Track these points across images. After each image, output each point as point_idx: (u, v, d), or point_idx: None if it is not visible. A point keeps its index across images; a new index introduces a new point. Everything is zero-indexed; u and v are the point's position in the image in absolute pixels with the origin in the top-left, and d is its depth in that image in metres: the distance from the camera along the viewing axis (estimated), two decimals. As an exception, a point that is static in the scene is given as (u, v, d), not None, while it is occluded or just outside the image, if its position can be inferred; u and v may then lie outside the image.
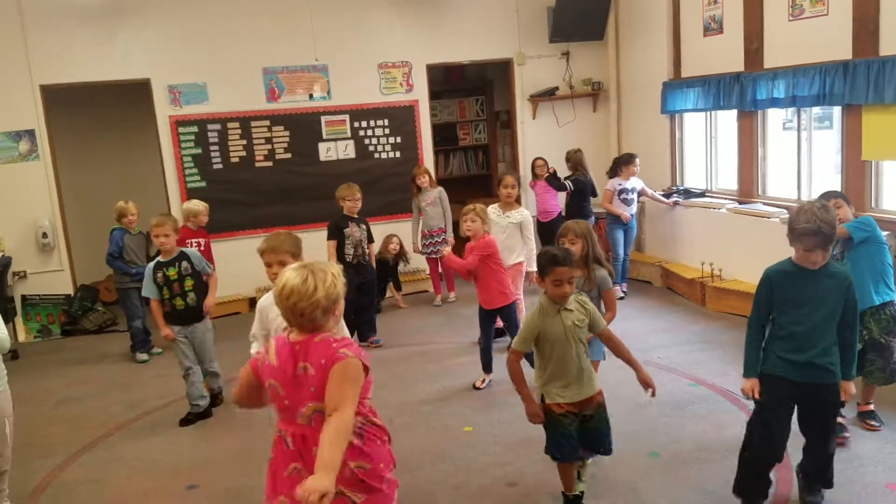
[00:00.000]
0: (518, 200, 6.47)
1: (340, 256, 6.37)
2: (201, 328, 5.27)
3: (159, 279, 5.12)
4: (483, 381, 5.46)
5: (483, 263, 5.35)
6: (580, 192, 7.78)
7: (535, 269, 5.50)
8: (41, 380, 6.46)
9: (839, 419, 4.14)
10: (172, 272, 5.14)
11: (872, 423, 4.33)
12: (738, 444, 4.27)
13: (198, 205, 6.98)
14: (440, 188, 7.83)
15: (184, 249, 5.30)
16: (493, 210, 6.12)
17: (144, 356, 6.80)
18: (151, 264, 5.22)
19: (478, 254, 5.33)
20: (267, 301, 3.39)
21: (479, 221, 5.40)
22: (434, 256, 7.79)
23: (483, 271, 5.38)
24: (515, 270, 6.16)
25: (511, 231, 6.16)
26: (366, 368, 2.39)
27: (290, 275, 2.40)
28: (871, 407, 4.40)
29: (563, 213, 8.05)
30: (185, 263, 5.18)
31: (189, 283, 5.17)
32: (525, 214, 6.20)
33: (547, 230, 8.36)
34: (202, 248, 6.65)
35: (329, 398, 2.29)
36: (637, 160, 7.82)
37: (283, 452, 2.48)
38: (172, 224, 5.23)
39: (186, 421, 5.18)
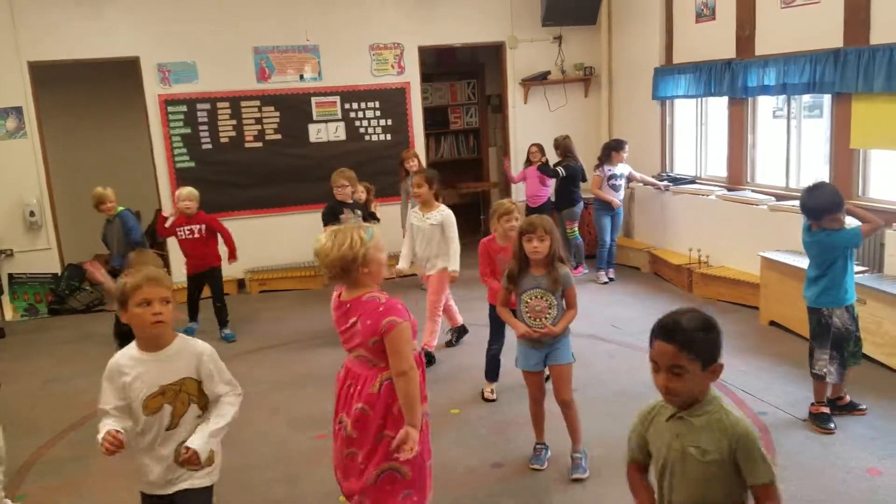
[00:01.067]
0: (437, 197, 5.68)
1: None
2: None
3: None
4: (492, 391, 4.96)
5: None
6: (570, 178, 7.81)
7: (457, 269, 5.42)
8: (28, 359, 6.44)
9: (824, 409, 4.25)
10: None
11: (861, 407, 4.43)
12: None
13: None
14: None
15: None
16: (412, 213, 5.73)
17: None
18: None
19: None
20: (119, 362, 2.75)
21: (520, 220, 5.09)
22: None
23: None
24: (439, 279, 5.59)
25: (432, 234, 5.56)
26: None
27: (324, 238, 2.82)
28: (848, 398, 4.45)
29: (553, 199, 8.07)
30: None
31: None
32: (446, 213, 5.57)
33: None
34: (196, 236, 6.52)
35: (392, 365, 2.74)
36: (626, 146, 7.83)
37: (339, 378, 3.01)
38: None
39: None
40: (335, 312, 2.91)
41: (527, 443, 4.23)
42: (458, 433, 4.47)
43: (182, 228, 6.48)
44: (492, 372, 4.99)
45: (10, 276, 7.80)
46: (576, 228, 8.02)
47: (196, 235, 6.50)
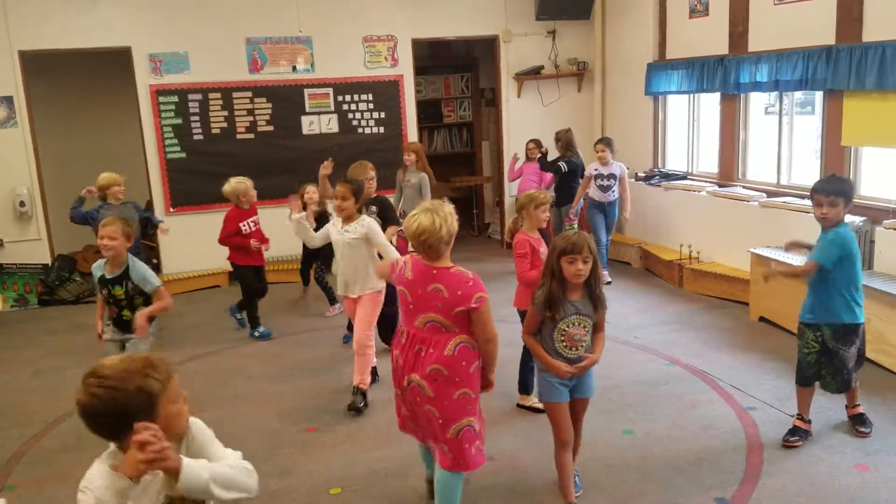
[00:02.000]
0: (361, 210, 4.88)
1: None
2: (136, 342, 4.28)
3: (104, 295, 4.35)
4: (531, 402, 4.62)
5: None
6: (571, 174, 7.75)
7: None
8: (18, 349, 6.42)
9: (859, 409, 4.22)
10: (119, 292, 4.29)
11: (861, 429, 4.16)
12: (711, 423, 4.38)
13: (243, 182, 6.40)
14: (424, 174, 7.16)
15: (131, 261, 4.30)
16: (332, 224, 4.87)
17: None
18: (96, 269, 4.37)
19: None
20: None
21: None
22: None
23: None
24: (371, 305, 4.80)
25: (355, 248, 4.73)
26: None
27: (421, 217, 3.11)
28: (860, 409, 4.23)
29: (553, 195, 8.10)
30: (131, 284, 4.26)
31: (138, 300, 4.32)
32: (367, 222, 4.72)
33: None
34: (256, 228, 6.42)
35: (481, 333, 3.15)
36: (603, 145, 7.49)
37: (399, 344, 3.29)
38: (122, 227, 4.23)
39: None
40: (413, 273, 3.20)
41: (520, 438, 4.25)
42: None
43: (245, 223, 6.36)
44: (530, 385, 4.60)
45: (0, 266, 7.76)
46: (575, 225, 8.02)
47: (254, 228, 6.43)
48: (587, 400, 3.57)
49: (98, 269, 4.36)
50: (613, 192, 7.50)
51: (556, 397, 3.42)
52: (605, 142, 7.56)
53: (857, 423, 4.17)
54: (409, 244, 3.24)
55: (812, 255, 3.99)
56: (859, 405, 4.23)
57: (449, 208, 3.21)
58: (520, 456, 4.11)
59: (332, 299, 7.04)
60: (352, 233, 4.70)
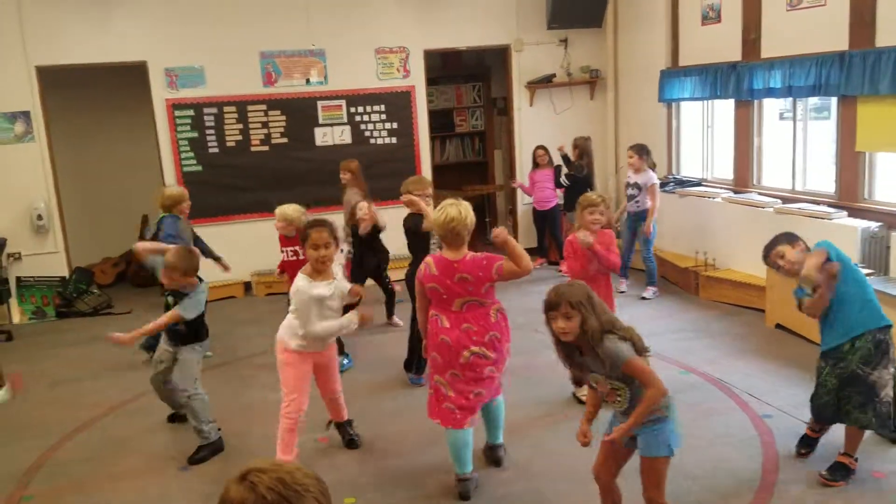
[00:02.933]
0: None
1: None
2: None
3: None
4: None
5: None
6: (584, 181, 7.73)
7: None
8: (36, 361, 6.48)
9: (848, 461, 3.74)
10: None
11: (828, 474, 3.70)
12: (727, 431, 4.34)
13: (295, 210, 5.78)
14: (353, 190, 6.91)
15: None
16: (302, 279, 3.99)
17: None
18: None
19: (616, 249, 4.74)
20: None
21: (608, 214, 4.88)
22: None
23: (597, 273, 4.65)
24: (335, 353, 4.44)
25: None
26: None
27: (449, 209, 3.74)
28: (848, 461, 3.74)
29: (561, 203, 8.16)
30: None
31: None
32: (341, 282, 4.13)
33: (542, 219, 8.53)
34: (299, 259, 5.66)
35: (512, 274, 3.68)
36: (632, 151, 7.31)
37: (437, 327, 3.80)
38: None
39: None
40: (438, 269, 3.76)
41: (531, 446, 4.25)
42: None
43: (285, 250, 5.85)
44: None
45: (18, 279, 7.85)
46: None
47: (295, 257, 5.77)
48: (649, 459, 3.11)
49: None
50: (638, 202, 7.21)
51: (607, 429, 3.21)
52: (635, 148, 7.26)
53: (835, 471, 3.73)
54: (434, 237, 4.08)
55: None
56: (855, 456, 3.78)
57: (467, 203, 3.86)
58: (532, 466, 4.10)
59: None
60: (339, 288, 4.07)
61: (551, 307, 2.96)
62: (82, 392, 5.68)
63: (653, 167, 7.34)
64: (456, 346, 3.72)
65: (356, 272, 6.33)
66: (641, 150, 7.25)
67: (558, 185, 8.09)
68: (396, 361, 5.62)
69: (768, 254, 3.87)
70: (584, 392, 4.44)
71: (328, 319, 4.02)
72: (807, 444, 3.98)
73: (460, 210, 3.75)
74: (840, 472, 3.71)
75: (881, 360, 3.59)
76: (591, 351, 2.98)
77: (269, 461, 1.60)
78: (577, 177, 7.77)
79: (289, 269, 5.70)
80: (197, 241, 6.33)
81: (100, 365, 6.26)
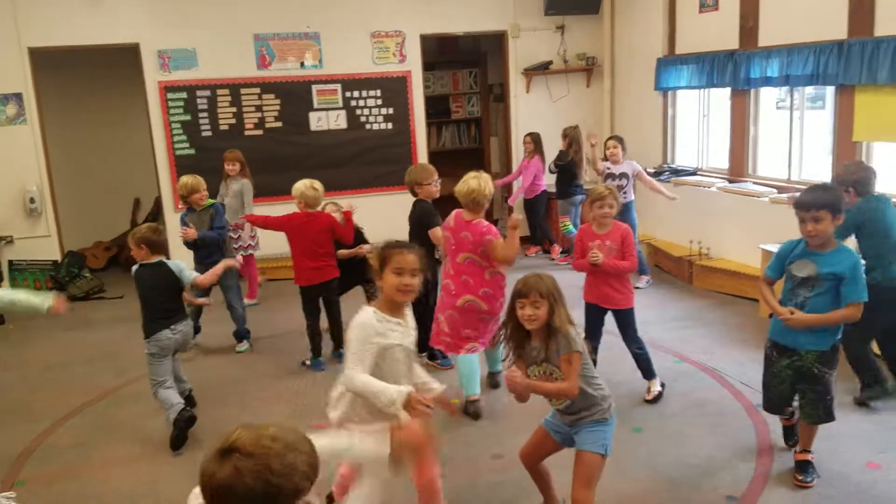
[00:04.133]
0: None
1: (431, 251, 5.10)
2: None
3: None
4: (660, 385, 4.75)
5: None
6: (563, 173, 7.86)
7: None
8: (27, 345, 6.44)
9: (809, 456, 3.71)
10: None
11: (802, 477, 3.64)
12: (721, 421, 4.35)
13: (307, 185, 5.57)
14: (246, 181, 6.98)
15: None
16: (390, 328, 3.02)
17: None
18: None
19: (633, 246, 4.58)
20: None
21: (616, 207, 4.57)
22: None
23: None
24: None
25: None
26: None
27: (471, 182, 4.51)
28: (809, 457, 3.71)
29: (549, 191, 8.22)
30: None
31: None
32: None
33: (528, 207, 8.49)
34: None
35: (499, 253, 4.41)
36: (616, 142, 7.23)
37: (448, 274, 4.62)
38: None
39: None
40: (454, 223, 4.59)
41: (526, 434, 4.25)
42: (458, 424, 4.47)
43: None
44: (648, 370, 4.73)
45: (10, 262, 7.79)
46: (567, 222, 8.00)
47: None
48: (586, 454, 3.10)
49: None
50: (626, 193, 7.08)
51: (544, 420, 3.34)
52: (618, 139, 7.29)
53: (800, 471, 3.68)
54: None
55: (845, 294, 3.42)
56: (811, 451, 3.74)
57: (487, 175, 4.58)
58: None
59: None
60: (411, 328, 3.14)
61: (521, 295, 3.06)
62: (74, 376, 5.65)
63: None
64: (456, 291, 4.53)
65: (342, 280, 5.71)
66: (622, 141, 7.27)
67: (551, 171, 8.13)
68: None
69: (801, 204, 3.48)
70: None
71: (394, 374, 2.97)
72: (791, 435, 3.96)
73: (479, 182, 4.50)
74: (808, 469, 3.65)
75: (836, 361, 3.58)
76: (541, 339, 3.07)
77: (252, 431, 1.57)
78: (562, 164, 7.83)
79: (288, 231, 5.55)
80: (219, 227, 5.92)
81: (92, 349, 6.23)
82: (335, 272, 5.57)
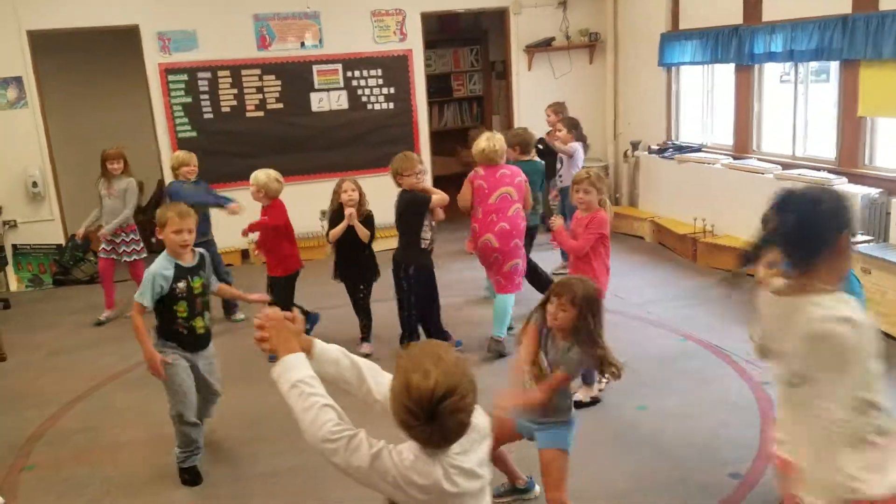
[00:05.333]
0: None
1: (416, 241, 5.08)
2: (211, 352, 4.01)
3: (180, 291, 3.72)
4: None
5: (594, 245, 4.42)
6: (545, 152, 7.53)
7: None
8: (33, 330, 6.47)
9: None
10: (198, 284, 3.80)
11: None
12: (725, 398, 4.36)
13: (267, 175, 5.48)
14: (131, 179, 6.59)
15: (198, 249, 3.93)
16: None
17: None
18: (163, 265, 3.71)
19: (594, 233, 4.36)
20: None
21: (595, 192, 4.36)
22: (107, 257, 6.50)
23: (591, 254, 4.45)
24: None
25: None
26: None
27: (483, 142, 5.08)
28: None
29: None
30: (204, 272, 3.86)
31: (208, 295, 3.93)
32: None
33: None
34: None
35: (526, 191, 5.18)
36: (561, 126, 7.01)
37: (476, 219, 5.12)
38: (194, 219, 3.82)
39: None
40: (484, 170, 5.11)
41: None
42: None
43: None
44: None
45: (15, 247, 7.81)
46: (557, 202, 7.70)
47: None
48: (548, 451, 3.11)
49: (168, 262, 3.73)
50: (561, 177, 6.89)
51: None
52: (565, 122, 7.00)
53: None
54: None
55: None
56: None
57: (499, 135, 5.20)
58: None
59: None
60: None
61: (555, 293, 3.06)
62: (81, 361, 5.68)
63: (583, 140, 7.07)
64: (479, 232, 5.08)
65: (343, 274, 5.48)
66: (571, 124, 6.99)
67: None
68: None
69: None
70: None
71: None
72: None
73: (490, 141, 5.06)
74: None
75: None
76: (561, 340, 3.07)
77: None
78: (544, 141, 7.64)
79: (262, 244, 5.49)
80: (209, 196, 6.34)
81: (98, 333, 6.27)
82: None
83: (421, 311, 5.15)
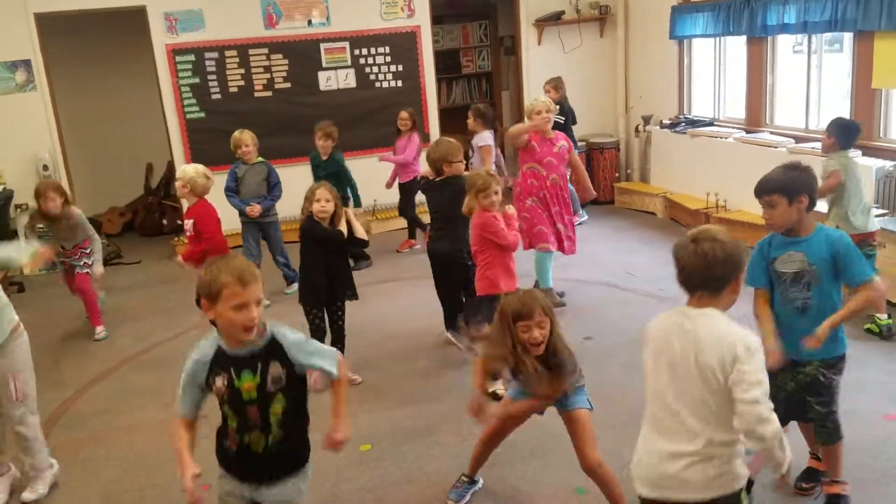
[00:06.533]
0: None
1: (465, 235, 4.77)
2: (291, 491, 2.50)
3: (218, 387, 2.41)
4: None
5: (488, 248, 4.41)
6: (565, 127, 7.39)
7: None
8: (48, 313, 6.52)
9: (841, 489, 3.20)
10: (249, 381, 2.37)
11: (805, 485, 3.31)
12: (738, 376, 4.33)
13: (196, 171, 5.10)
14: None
15: (273, 327, 2.43)
16: None
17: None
18: (205, 350, 2.44)
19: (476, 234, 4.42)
20: None
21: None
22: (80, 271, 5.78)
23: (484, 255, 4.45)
24: None
25: None
26: None
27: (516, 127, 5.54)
28: (841, 489, 3.19)
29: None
30: (274, 362, 2.37)
31: (280, 403, 2.40)
32: None
33: (403, 192, 7.42)
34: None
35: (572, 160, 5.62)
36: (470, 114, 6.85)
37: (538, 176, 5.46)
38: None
39: None
40: (536, 142, 5.38)
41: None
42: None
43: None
44: None
45: (27, 228, 7.83)
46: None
47: (188, 231, 5.04)
48: (582, 411, 3.06)
49: (209, 346, 2.43)
50: (472, 164, 6.63)
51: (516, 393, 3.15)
52: (473, 110, 6.84)
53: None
54: None
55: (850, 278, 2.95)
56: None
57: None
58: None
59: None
60: None
61: (526, 316, 2.80)
62: (96, 343, 5.73)
63: (493, 128, 6.86)
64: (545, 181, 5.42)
65: (307, 294, 4.59)
66: (477, 113, 6.78)
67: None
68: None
69: (757, 191, 3.16)
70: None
71: None
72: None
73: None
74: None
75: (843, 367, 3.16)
76: (541, 362, 2.86)
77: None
78: (564, 117, 7.57)
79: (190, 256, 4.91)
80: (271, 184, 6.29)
81: (111, 316, 6.30)
82: None
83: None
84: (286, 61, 8.25)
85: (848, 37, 6.11)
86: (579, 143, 8.10)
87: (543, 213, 5.48)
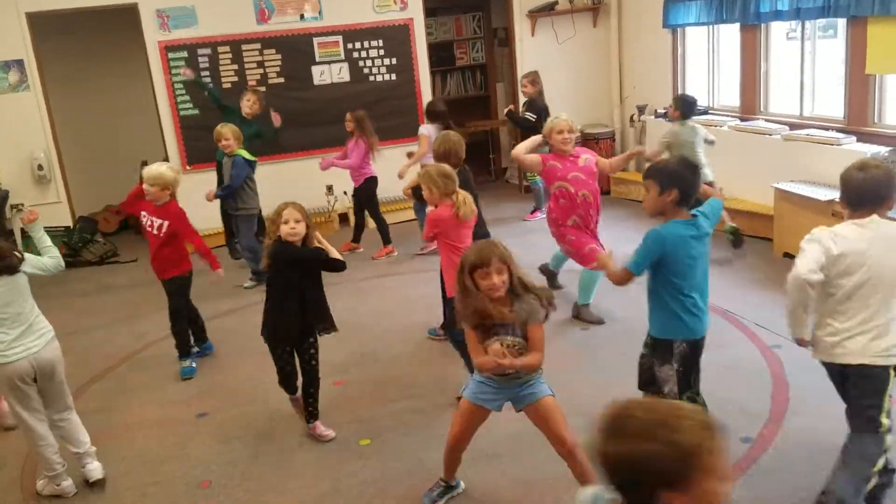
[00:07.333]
0: None
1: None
2: None
3: None
4: None
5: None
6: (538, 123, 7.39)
7: None
8: (45, 312, 6.41)
9: None
10: None
11: None
12: (735, 363, 4.37)
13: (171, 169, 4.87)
14: None
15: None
16: None
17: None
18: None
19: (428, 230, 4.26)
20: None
21: (428, 190, 4.12)
22: None
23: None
24: None
25: None
26: None
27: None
28: None
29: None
30: None
31: None
32: None
33: (355, 195, 7.32)
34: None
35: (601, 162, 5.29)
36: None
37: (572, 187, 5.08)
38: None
39: None
40: (556, 160, 5.08)
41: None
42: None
43: (145, 216, 4.77)
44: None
45: (23, 230, 7.82)
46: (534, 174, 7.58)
47: (156, 232, 4.76)
48: (547, 399, 3.07)
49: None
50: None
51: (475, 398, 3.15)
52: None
53: None
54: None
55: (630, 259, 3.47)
56: None
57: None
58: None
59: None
60: None
61: (479, 265, 2.89)
62: (94, 342, 5.73)
63: (448, 126, 6.80)
64: (578, 186, 5.11)
65: (275, 329, 4.00)
66: (426, 108, 7.16)
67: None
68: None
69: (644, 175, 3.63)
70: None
71: None
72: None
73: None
74: None
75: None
76: (506, 308, 2.93)
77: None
78: (537, 114, 7.48)
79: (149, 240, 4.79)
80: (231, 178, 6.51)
81: (110, 315, 6.31)
82: None
83: None
84: (279, 56, 8.23)
85: (842, 22, 6.11)
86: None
87: (585, 231, 5.18)
